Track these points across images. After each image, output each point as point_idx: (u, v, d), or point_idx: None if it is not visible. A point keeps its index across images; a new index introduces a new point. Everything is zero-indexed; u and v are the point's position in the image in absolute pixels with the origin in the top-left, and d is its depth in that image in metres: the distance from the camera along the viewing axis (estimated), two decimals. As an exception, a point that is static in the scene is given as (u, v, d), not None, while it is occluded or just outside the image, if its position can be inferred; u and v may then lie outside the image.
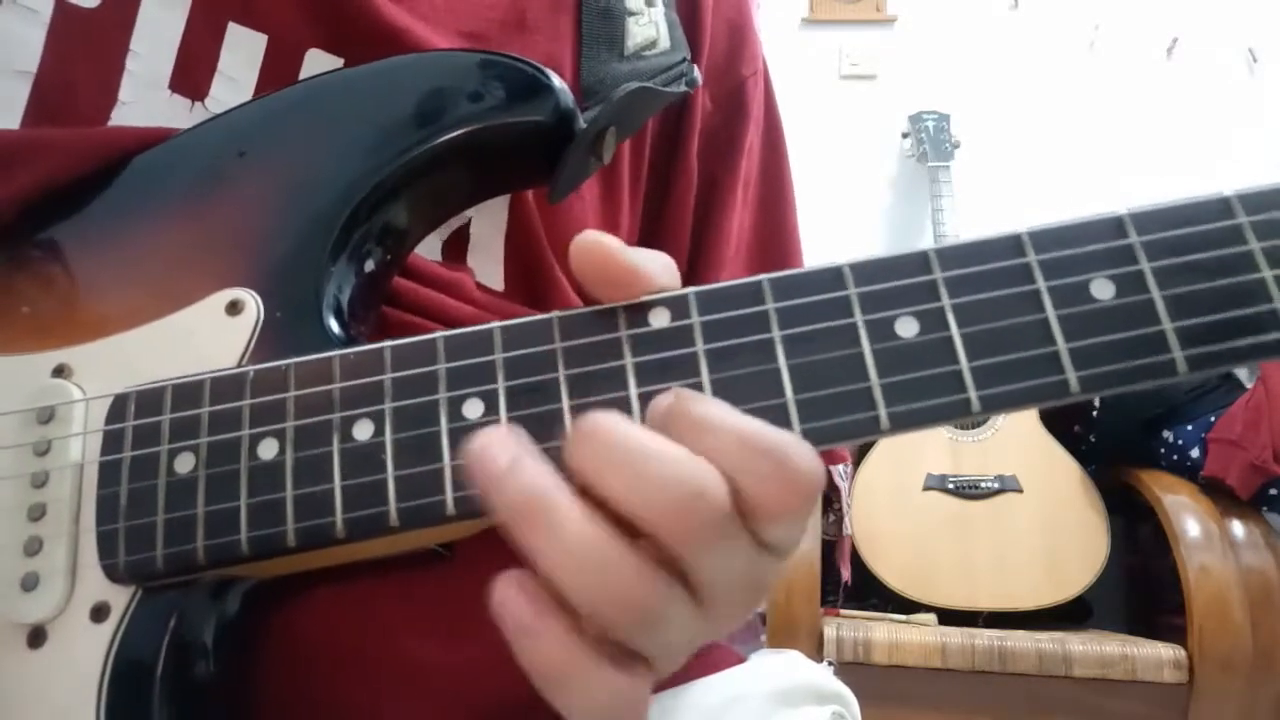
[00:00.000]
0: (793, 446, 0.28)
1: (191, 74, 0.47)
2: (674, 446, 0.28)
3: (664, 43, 0.54)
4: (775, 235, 0.65)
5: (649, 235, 0.59)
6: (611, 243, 0.32)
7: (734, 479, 0.27)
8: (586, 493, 0.28)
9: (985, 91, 2.57)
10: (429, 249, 0.48)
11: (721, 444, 0.28)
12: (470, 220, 0.50)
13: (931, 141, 2.42)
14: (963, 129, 2.46)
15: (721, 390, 0.31)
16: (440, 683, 0.42)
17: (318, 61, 0.47)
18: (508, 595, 0.28)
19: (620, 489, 0.27)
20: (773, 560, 0.30)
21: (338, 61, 0.47)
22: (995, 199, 2.47)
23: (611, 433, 0.28)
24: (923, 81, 2.59)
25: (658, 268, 0.33)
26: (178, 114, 0.46)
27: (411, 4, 0.49)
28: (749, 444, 0.28)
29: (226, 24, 0.47)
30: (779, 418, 0.30)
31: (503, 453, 0.28)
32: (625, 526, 0.28)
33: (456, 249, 0.50)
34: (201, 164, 0.44)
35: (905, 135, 2.55)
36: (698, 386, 0.31)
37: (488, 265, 0.51)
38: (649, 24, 0.54)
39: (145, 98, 0.46)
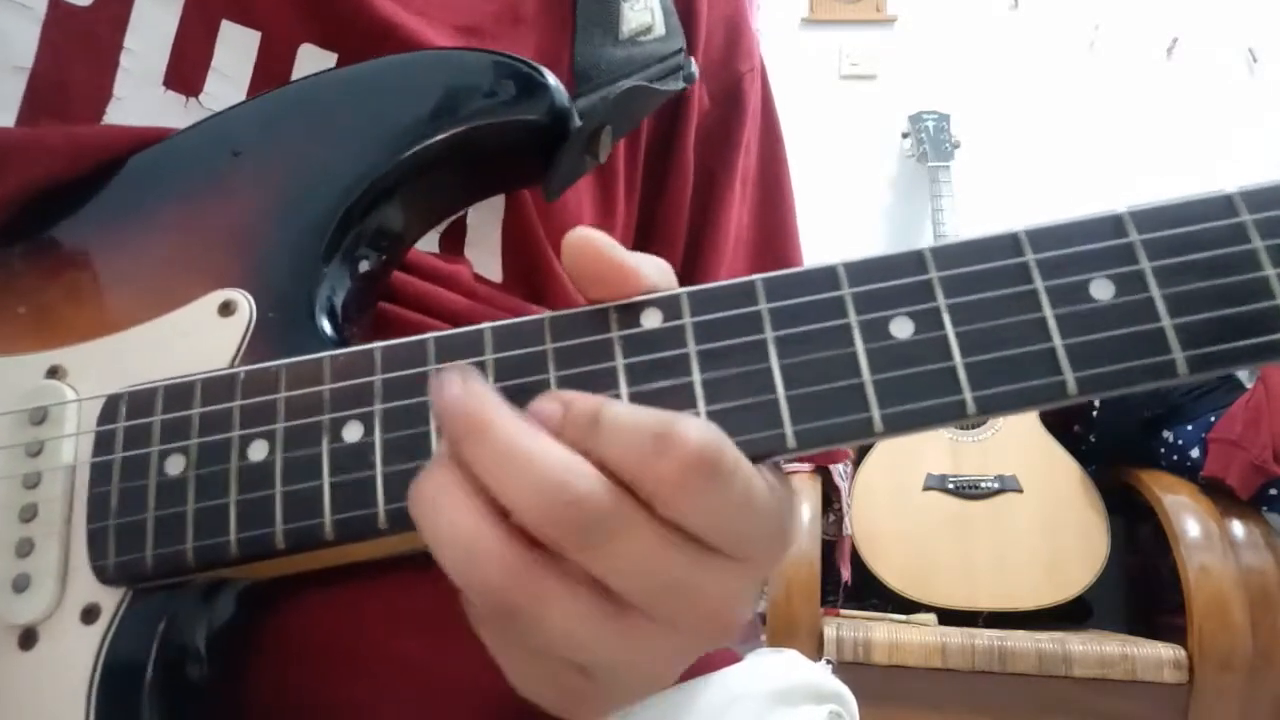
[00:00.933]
0: (676, 423, 0.27)
1: (185, 70, 0.47)
2: (553, 448, 0.28)
3: (659, 28, 0.54)
4: (774, 232, 0.65)
5: (646, 231, 0.59)
6: (602, 240, 0.32)
7: (621, 467, 0.27)
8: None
9: (985, 91, 2.57)
10: (426, 241, 0.48)
11: (608, 435, 0.28)
12: (467, 212, 0.50)
13: (931, 141, 2.42)
14: (963, 129, 2.46)
15: (713, 391, 0.31)
16: (433, 683, 0.42)
17: (311, 57, 0.47)
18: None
19: (499, 488, 0.28)
20: (718, 564, 0.29)
21: (331, 57, 0.47)
22: (995, 199, 2.47)
23: (493, 431, 0.28)
24: (923, 81, 2.59)
25: (651, 268, 0.33)
26: (172, 110, 0.46)
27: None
28: (633, 429, 0.27)
29: (220, 21, 0.47)
30: (771, 419, 0.30)
31: (450, 384, 0.29)
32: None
33: (454, 241, 0.50)
34: (195, 164, 0.43)
35: (905, 135, 2.55)
36: (689, 388, 0.31)
37: (485, 257, 0.51)
38: (644, 9, 0.54)
39: (140, 94, 0.46)
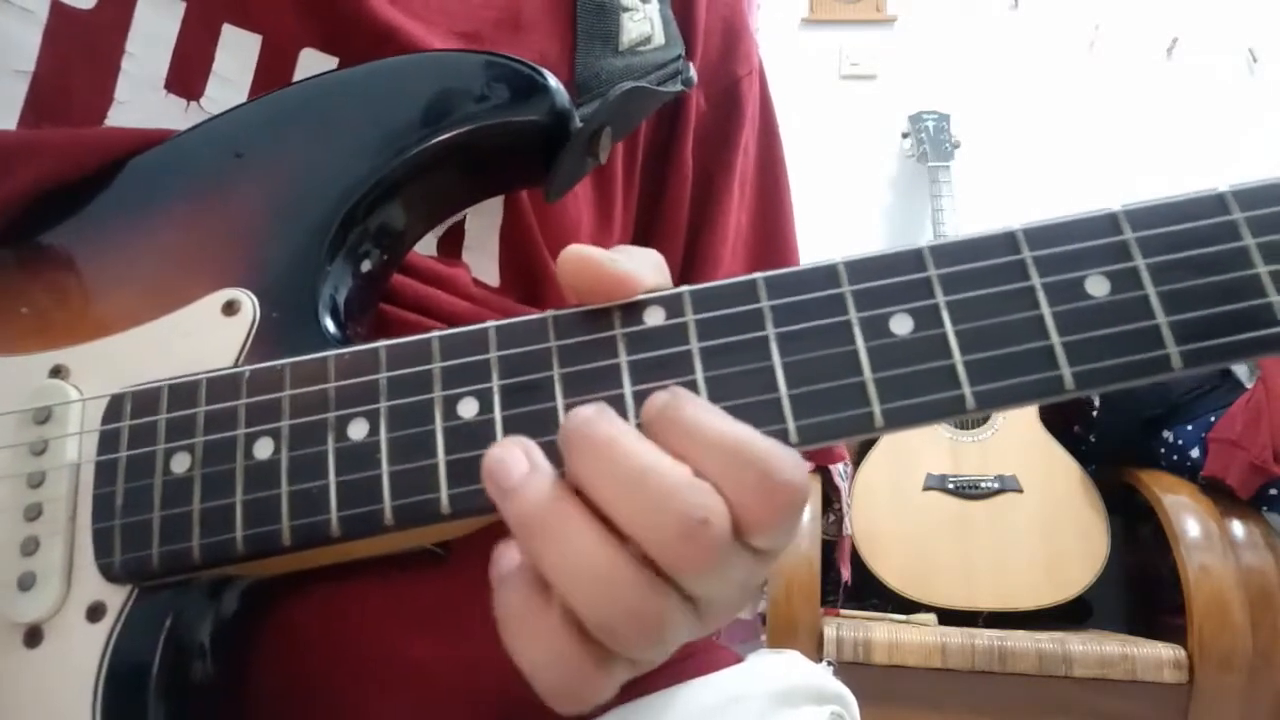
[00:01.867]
0: (777, 457, 0.28)
1: (187, 74, 0.47)
2: (675, 467, 0.28)
3: (659, 38, 0.54)
4: (771, 233, 0.65)
5: (644, 232, 0.59)
6: (598, 255, 0.32)
7: (721, 488, 0.28)
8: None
9: (985, 91, 2.57)
10: (424, 245, 0.48)
11: (710, 452, 0.28)
12: (465, 216, 0.50)
13: (931, 141, 2.42)
14: (963, 129, 2.46)
15: (715, 388, 0.31)
16: (436, 681, 0.42)
17: (312, 61, 0.47)
18: (497, 554, 0.30)
19: (621, 509, 0.28)
20: (764, 563, 0.30)
21: (332, 61, 0.48)
22: (995, 199, 2.47)
23: (612, 445, 0.28)
24: (923, 81, 2.59)
25: (648, 269, 0.33)
26: (173, 114, 0.47)
27: (406, 3, 0.49)
28: (737, 453, 0.28)
29: (221, 25, 0.47)
30: (773, 415, 0.30)
31: (515, 464, 0.29)
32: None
33: (451, 245, 0.50)
34: (198, 165, 0.44)
35: (905, 135, 2.55)
36: (692, 384, 0.31)
37: (483, 261, 0.51)
38: (643, 19, 0.54)
39: (141, 98, 0.47)
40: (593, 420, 0.28)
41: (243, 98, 0.47)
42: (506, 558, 0.29)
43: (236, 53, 0.47)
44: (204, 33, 0.47)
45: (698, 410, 0.29)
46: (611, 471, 0.28)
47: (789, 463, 0.28)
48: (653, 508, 0.27)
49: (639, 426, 0.29)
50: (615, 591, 0.27)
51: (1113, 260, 0.30)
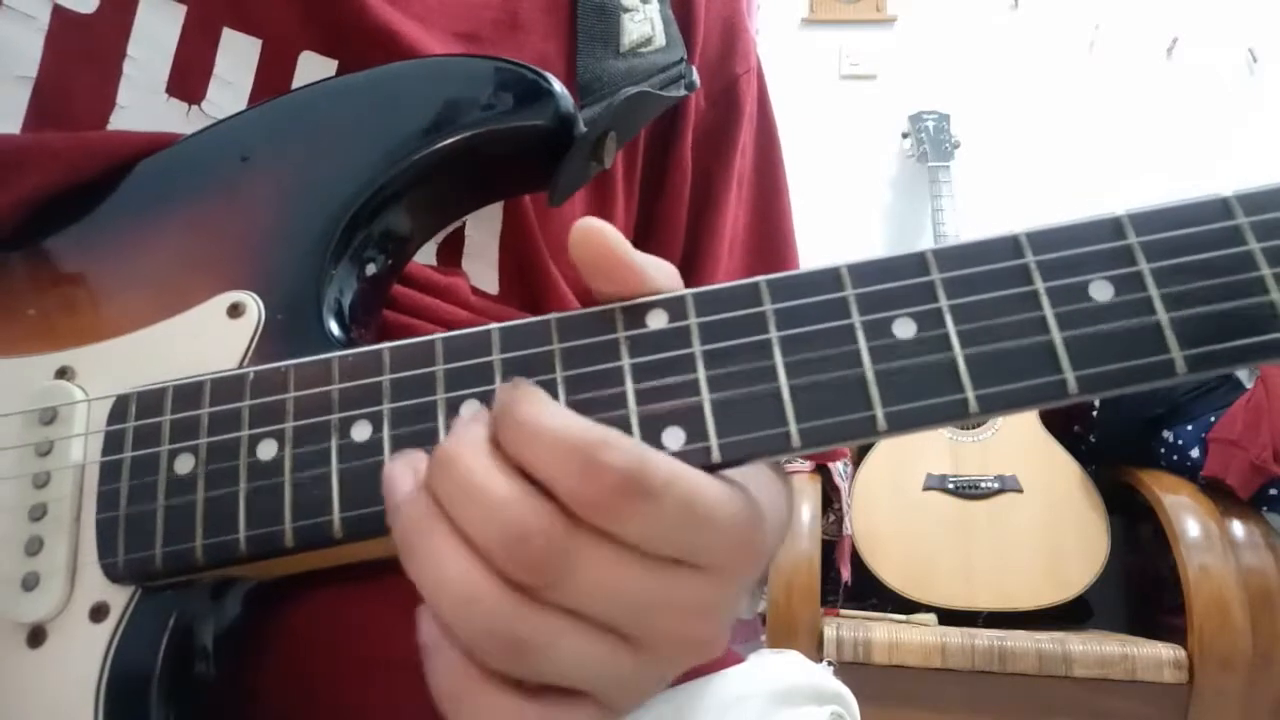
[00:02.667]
0: (599, 443, 0.27)
1: (188, 78, 0.47)
2: (504, 486, 0.28)
3: (659, 39, 0.54)
4: (770, 232, 0.65)
5: (644, 233, 0.59)
6: (610, 234, 0.32)
7: (553, 488, 0.27)
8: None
9: (985, 91, 2.57)
10: (423, 254, 0.48)
11: (541, 446, 0.28)
12: (465, 224, 0.50)
13: (931, 141, 2.42)
14: (963, 129, 2.46)
15: (718, 391, 0.31)
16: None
17: (312, 63, 0.47)
18: (421, 618, 0.29)
19: (465, 525, 0.28)
20: (686, 575, 0.29)
21: (332, 63, 0.48)
22: (995, 199, 2.47)
23: (456, 466, 0.28)
24: (923, 81, 2.59)
25: (657, 271, 0.33)
26: (175, 118, 0.47)
27: (405, 5, 0.49)
28: (560, 443, 0.27)
29: (221, 29, 0.47)
30: (776, 418, 0.30)
31: (401, 484, 0.29)
32: None
33: (451, 253, 0.50)
34: (204, 169, 0.44)
35: (905, 135, 2.55)
36: (695, 387, 0.31)
37: (483, 269, 0.51)
38: (644, 21, 0.54)
39: (142, 102, 0.47)
40: (454, 445, 0.29)
41: (243, 101, 0.47)
42: (423, 620, 0.30)
43: (237, 56, 0.47)
44: (204, 36, 0.47)
45: (529, 406, 0.28)
46: (449, 491, 0.28)
47: (612, 444, 0.27)
48: (483, 523, 0.27)
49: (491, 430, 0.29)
50: (475, 609, 0.27)
51: (1117, 265, 0.30)
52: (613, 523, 0.27)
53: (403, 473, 0.30)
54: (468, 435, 0.29)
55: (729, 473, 0.31)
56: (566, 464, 0.27)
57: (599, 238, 0.32)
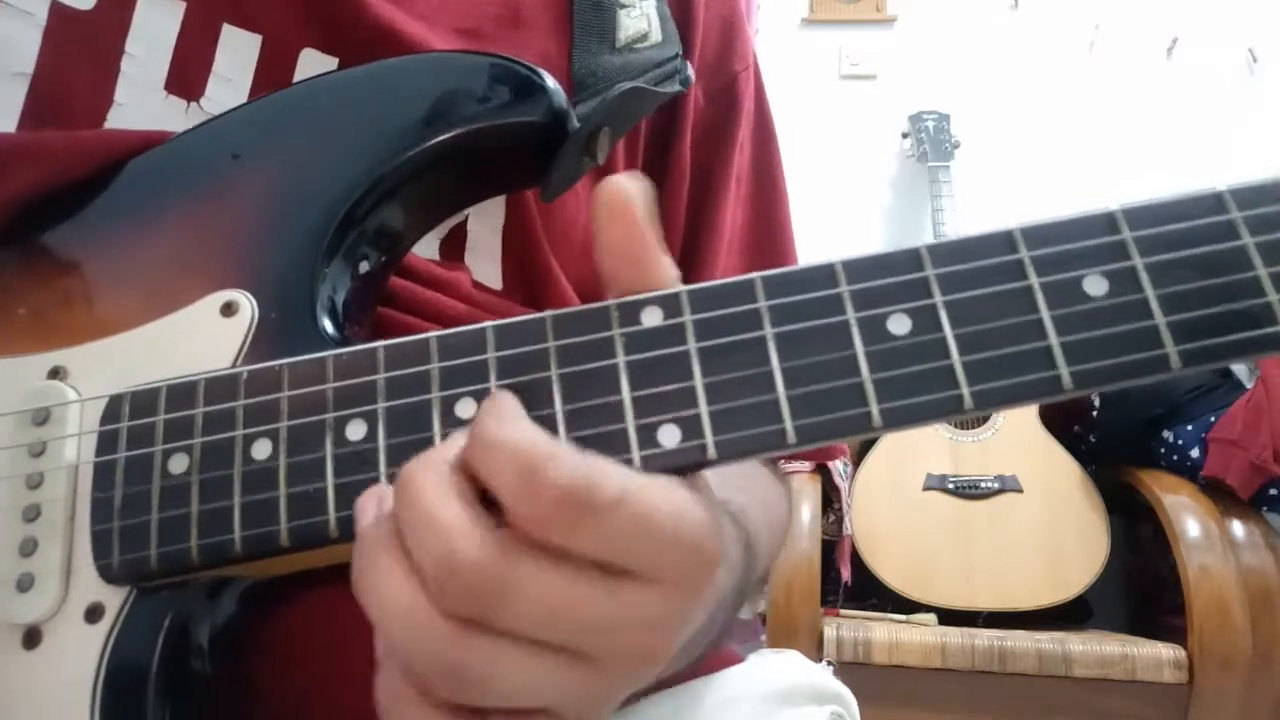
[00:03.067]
0: (541, 454, 0.27)
1: (187, 75, 0.47)
2: (447, 512, 0.27)
3: (655, 35, 0.54)
4: (768, 229, 0.65)
5: None
6: (638, 198, 0.31)
7: (500, 498, 0.27)
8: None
9: (985, 91, 2.57)
10: (426, 248, 0.48)
11: (491, 461, 0.27)
12: (467, 219, 0.50)
13: (931, 141, 2.42)
14: (963, 129, 2.47)
15: (713, 389, 0.31)
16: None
17: (312, 61, 0.47)
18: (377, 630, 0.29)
19: (414, 550, 0.28)
20: (637, 589, 0.28)
21: (332, 61, 0.47)
22: (995, 199, 2.47)
23: (410, 487, 0.28)
24: (923, 81, 2.59)
25: (666, 257, 0.32)
26: (173, 115, 0.46)
27: (406, 2, 0.49)
28: (509, 457, 0.27)
29: (221, 25, 0.47)
30: (771, 415, 0.30)
31: (364, 514, 0.30)
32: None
33: (453, 248, 0.50)
34: (197, 166, 0.44)
35: (905, 135, 2.55)
36: (690, 385, 0.31)
37: (485, 264, 0.51)
38: (640, 16, 0.54)
39: (141, 99, 0.46)
40: (413, 467, 0.29)
41: (243, 98, 0.47)
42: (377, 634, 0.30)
43: (236, 53, 0.47)
44: (204, 33, 0.47)
45: (490, 420, 0.28)
46: (403, 513, 0.28)
47: (554, 461, 0.27)
48: (424, 547, 0.27)
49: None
50: (418, 637, 0.27)
51: (1111, 260, 0.30)
52: (557, 539, 0.27)
53: (367, 502, 0.30)
54: (437, 454, 0.29)
55: (711, 474, 0.31)
56: (511, 478, 0.27)
57: (625, 195, 0.31)
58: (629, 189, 0.31)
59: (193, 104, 0.47)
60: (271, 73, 0.47)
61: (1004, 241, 0.31)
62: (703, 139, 0.60)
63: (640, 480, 0.28)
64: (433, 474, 0.28)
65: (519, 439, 0.27)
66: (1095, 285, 0.30)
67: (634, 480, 0.27)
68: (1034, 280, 0.30)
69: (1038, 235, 0.30)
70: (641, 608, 0.28)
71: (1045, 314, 0.30)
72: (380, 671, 0.29)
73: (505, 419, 0.28)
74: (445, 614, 0.27)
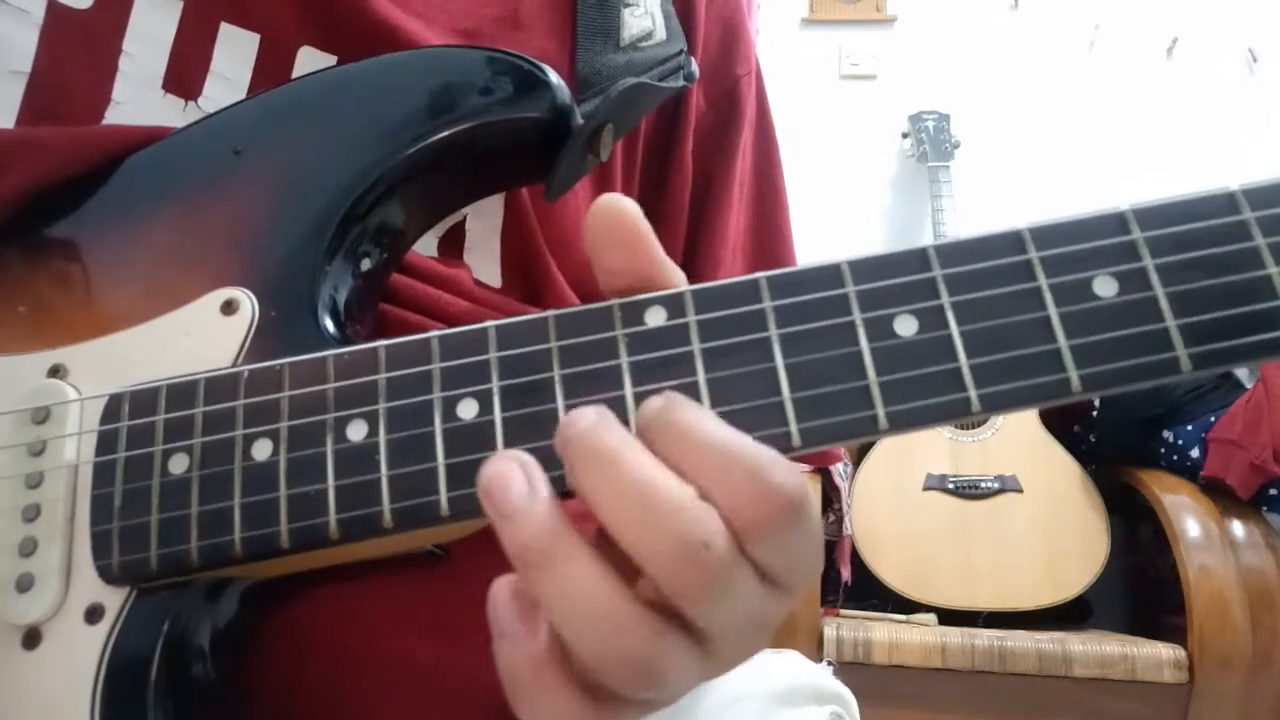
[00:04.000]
0: (768, 460, 0.27)
1: (184, 74, 0.47)
2: (679, 486, 0.27)
3: (660, 33, 0.54)
4: (769, 234, 0.64)
5: None
6: (631, 205, 0.31)
7: (714, 499, 0.27)
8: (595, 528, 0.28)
9: (985, 91, 2.57)
10: (424, 247, 0.48)
11: (704, 456, 0.27)
12: (466, 218, 0.50)
13: (931, 141, 2.42)
14: (963, 129, 2.47)
15: (717, 390, 0.31)
16: (436, 683, 0.42)
17: (310, 59, 0.47)
18: (499, 597, 0.28)
19: (623, 527, 0.27)
20: (778, 596, 0.29)
21: (330, 59, 0.47)
22: (995, 199, 2.47)
23: (616, 460, 0.27)
24: (923, 81, 2.59)
25: (666, 258, 0.32)
26: (171, 114, 0.46)
27: (405, 1, 0.49)
28: (727, 455, 0.27)
29: (219, 23, 0.47)
30: (776, 417, 0.30)
31: (514, 486, 0.27)
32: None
33: (452, 246, 0.50)
34: (197, 163, 0.43)
35: (905, 135, 2.55)
36: (693, 385, 0.31)
37: (484, 262, 0.50)
38: (644, 15, 0.54)
39: (139, 98, 0.46)
40: (596, 430, 0.27)
41: (241, 97, 0.46)
42: (503, 602, 0.28)
43: (234, 51, 0.47)
44: (201, 32, 0.47)
45: (691, 414, 0.28)
46: (616, 488, 0.27)
47: (781, 466, 0.27)
48: (656, 527, 0.26)
49: (637, 432, 0.28)
50: (614, 633, 0.27)
51: (1121, 260, 0.30)
52: (766, 543, 0.27)
53: (513, 471, 0.28)
54: (613, 435, 0.27)
55: None
56: (736, 479, 0.26)
57: (620, 209, 0.31)
58: (613, 196, 0.31)
59: (190, 103, 0.47)
60: (270, 71, 0.47)
61: (1012, 242, 0.30)
62: (704, 144, 0.60)
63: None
64: (640, 452, 0.27)
65: (736, 437, 0.27)
66: (1105, 286, 0.29)
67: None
68: (1043, 281, 0.30)
69: (1047, 235, 0.30)
70: (776, 614, 0.29)
71: (1054, 315, 0.29)
72: (505, 646, 0.28)
73: (706, 413, 0.28)
74: (647, 607, 0.27)
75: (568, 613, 0.27)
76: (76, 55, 0.46)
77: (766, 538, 0.27)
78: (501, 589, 0.28)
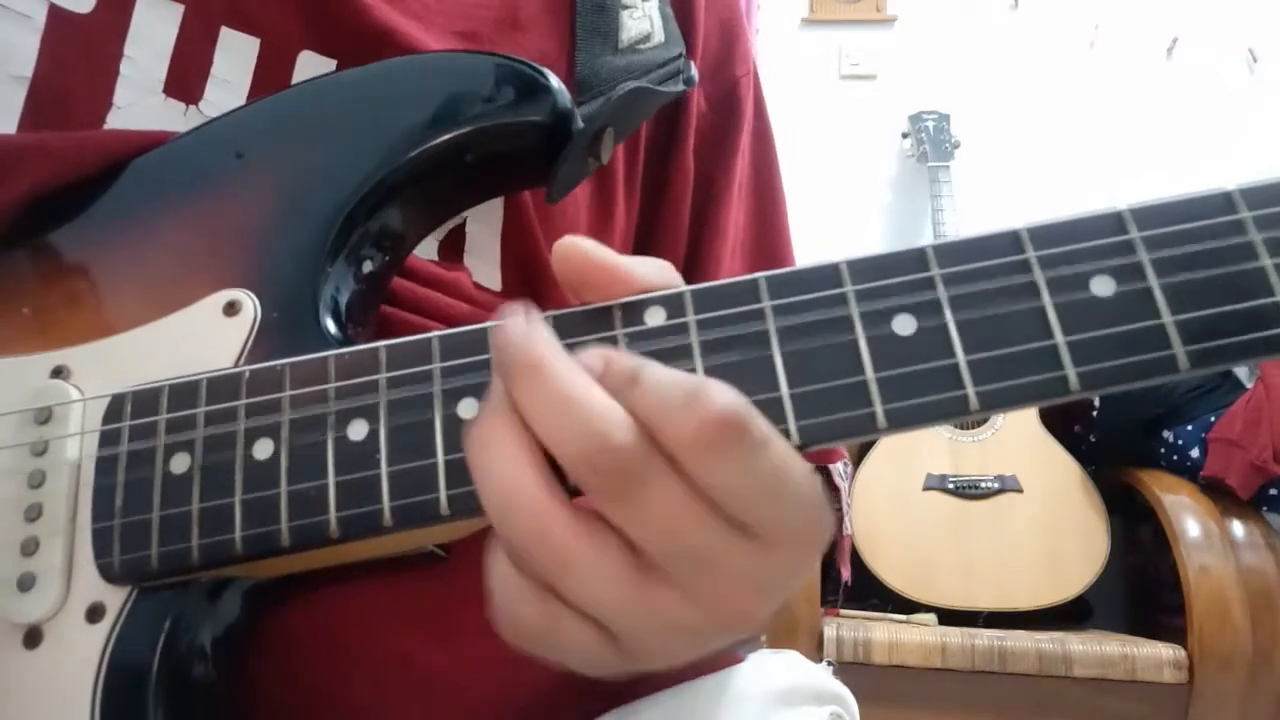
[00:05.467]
0: (708, 385, 0.28)
1: (185, 78, 0.47)
2: (598, 395, 0.28)
3: (658, 36, 0.54)
4: (767, 236, 0.65)
5: (646, 235, 0.59)
6: (587, 244, 0.32)
7: (650, 420, 0.28)
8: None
9: (985, 91, 2.57)
10: (424, 250, 0.48)
11: (644, 389, 0.28)
12: (466, 221, 0.50)
13: (931, 141, 2.42)
14: (963, 129, 2.47)
15: None
16: (436, 683, 0.42)
17: (310, 63, 0.47)
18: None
19: (544, 430, 0.28)
20: (754, 547, 0.29)
21: (330, 63, 0.47)
22: (995, 199, 2.47)
23: (546, 370, 0.28)
24: (923, 81, 2.59)
25: (647, 268, 0.33)
26: (172, 118, 0.46)
27: (404, 4, 0.49)
28: (668, 385, 0.28)
29: (219, 28, 0.47)
30: (774, 415, 0.30)
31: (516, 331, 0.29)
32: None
33: (452, 250, 0.50)
34: (199, 166, 0.43)
35: (905, 135, 2.55)
36: None
37: (484, 266, 0.51)
38: (643, 17, 0.54)
39: (140, 102, 0.46)
40: (528, 339, 0.29)
41: (241, 101, 0.46)
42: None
43: (235, 56, 0.47)
44: (202, 36, 0.47)
45: (635, 359, 0.29)
46: (533, 395, 0.28)
47: (723, 389, 0.27)
48: (567, 424, 0.28)
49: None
50: (512, 510, 0.28)
51: (1118, 259, 0.30)
52: (706, 462, 0.28)
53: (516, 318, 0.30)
54: (556, 355, 0.29)
55: None
56: (675, 390, 0.27)
57: (577, 251, 0.32)
58: (567, 239, 0.32)
59: (191, 107, 0.47)
60: (270, 75, 0.47)
61: (1010, 241, 0.31)
62: (704, 145, 0.60)
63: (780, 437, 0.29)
64: (568, 364, 0.29)
65: (675, 372, 0.28)
66: (1102, 285, 0.29)
67: (778, 434, 0.29)
68: (1040, 280, 0.30)
69: (1044, 235, 0.30)
70: (749, 562, 0.29)
71: (1052, 314, 0.29)
72: (491, 562, 0.30)
73: (650, 361, 0.29)
74: (548, 495, 0.28)
75: (483, 482, 0.29)
76: (77, 60, 0.46)
77: (701, 454, 0.27)
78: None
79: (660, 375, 0.28)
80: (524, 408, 0.29)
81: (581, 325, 0.32)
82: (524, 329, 0.29)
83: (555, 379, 0.28)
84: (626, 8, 0.54)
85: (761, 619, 0.31)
